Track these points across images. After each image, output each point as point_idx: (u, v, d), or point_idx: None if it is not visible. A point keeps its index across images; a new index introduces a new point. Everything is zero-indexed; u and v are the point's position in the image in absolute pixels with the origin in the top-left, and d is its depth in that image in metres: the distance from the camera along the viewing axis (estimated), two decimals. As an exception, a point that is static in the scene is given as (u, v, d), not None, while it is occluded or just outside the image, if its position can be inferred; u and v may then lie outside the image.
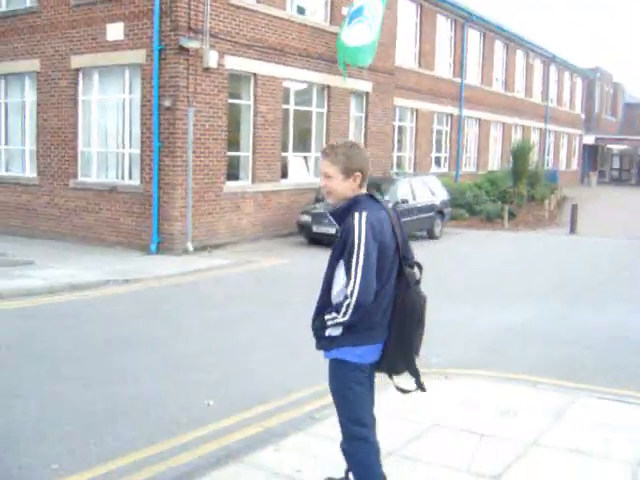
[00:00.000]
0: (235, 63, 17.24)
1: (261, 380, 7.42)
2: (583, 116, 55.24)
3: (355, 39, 19.93)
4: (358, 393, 4.03)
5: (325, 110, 20.87)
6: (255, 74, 17.98)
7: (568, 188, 41.90)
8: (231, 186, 17.60)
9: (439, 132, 31.67)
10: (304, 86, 20.25)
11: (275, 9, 18.38)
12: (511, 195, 29.11)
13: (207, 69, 16.28)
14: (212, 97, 16.62)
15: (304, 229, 18.06)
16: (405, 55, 27.50)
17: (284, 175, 19.62)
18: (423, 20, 28.98)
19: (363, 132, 22.83)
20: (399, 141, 28.21)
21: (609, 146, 62.92)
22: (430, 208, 20.37)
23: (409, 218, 18.92)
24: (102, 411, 6.45)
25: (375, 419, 4.19)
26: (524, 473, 5.17)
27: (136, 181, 16.72)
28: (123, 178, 17.22)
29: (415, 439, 5.74)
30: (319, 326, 4.00)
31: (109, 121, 17.53)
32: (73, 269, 13.62)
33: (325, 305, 4.00)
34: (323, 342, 4.02)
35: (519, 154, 30.31)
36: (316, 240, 17.34)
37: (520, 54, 39.99)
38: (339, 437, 4.18)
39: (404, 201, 18.85)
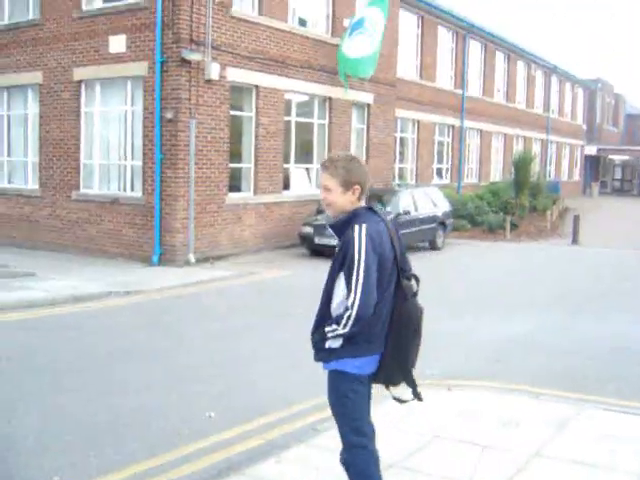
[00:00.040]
0: (237, 75, 17.29)
1: (263, 392, 7.41)
2: (585, 127, 55.31)
3: (356, 50, 19.99)
4: (357, 403, 4.05)
5: (327, 122, 20.91)
6: (257, 86, 18.03)
7: (570, 199, 41.94)
8: (233, 198, 17.62)
9: (441, 143, 31.69)
10: (306, 98, 20.30)
11: (277, 21, 18.44)
12: (513, 206, 29.12)
13: (209, 81, 16.33)
14: (214, 109, 16.66)
15: (306, 241, 18.06)
16: (406, 67, 27.55)
17: (286, 187, 19.64)
18: (424, 32, 29.05)
19: (365, 144, 22.86)
20: (401, 152, 28.22)
21: (611, 157, 62.92)
22: (432, 219, 20.38)
23: (411, 229, 18.93)
24: (104, 423, 6.44)
25: (374, 429, 4.20)
26: (526, 485, 5.16)
27: (138, 193, 16.75)
28: (125, 190, 17.24)
29: (417, 451, 5.72)
30: (319, 338, 4.02)
31: (111, 133, 17.58)
32: (75, 280, 13.63)
33: (324, 317, 4.02)
34: (322, 354, 4.05)
35: (521, 165, 30.34)
36: (318, 252, 17.33)
37: (521, 65, 40.07)
38: (340, 449, 4.17)
39: (406, 212, 18.87)
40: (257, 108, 18.16)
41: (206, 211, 16.70)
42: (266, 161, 18.53)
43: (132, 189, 17.08)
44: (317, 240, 17.43)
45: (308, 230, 17.88)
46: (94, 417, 6.57)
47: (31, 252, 17.61)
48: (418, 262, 17.54)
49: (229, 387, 7.58)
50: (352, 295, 3.80)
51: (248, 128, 18.19)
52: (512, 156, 34.78)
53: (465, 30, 32.13)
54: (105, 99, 17.53)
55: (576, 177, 55.11)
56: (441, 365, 8.26)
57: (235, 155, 17.85)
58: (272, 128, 18.62)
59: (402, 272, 4.09)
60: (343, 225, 4.02)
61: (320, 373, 4.20)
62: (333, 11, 20.87)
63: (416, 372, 4.18)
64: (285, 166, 19.48)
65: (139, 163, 16.71)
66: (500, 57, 36.99)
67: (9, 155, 20.00)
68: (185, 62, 15.69)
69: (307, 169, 20.65)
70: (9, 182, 19.99)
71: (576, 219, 23.97)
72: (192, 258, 16.13)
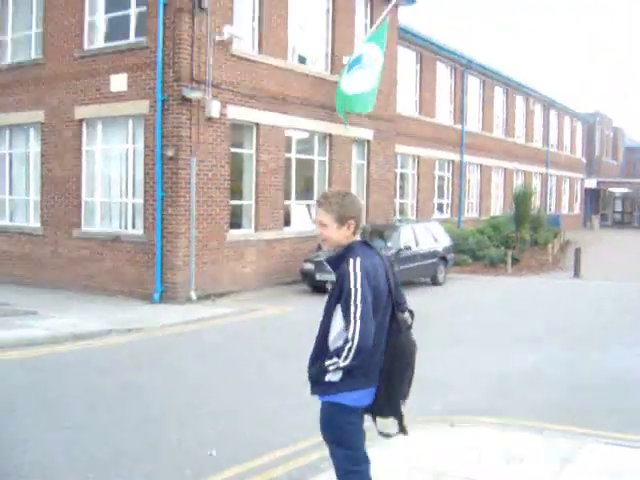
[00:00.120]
0: (237, 113, 17.41)
1: (265, 429, 7.36)
2: (584, 160, 55.56)
3: (354, 86, 20.13)
4: (354, 434, 4.11)
5: (327, 158, 21.02)
6: (257, 123, 18.15)
7: (571, 232, 41.98)
8: (234, 234, 17.65)
9: (441, 178, 31.84)
10: (306, 135, 20.42)
11: (276, 59, 18.62)
12: (514, 240, 29.13)
13: (210, 119, 16.45)
14: (215, 146, 16.76)
15: (307, 277, 18.05)
16: (406, 103, 27.77)
17: (287, 223, 19.68)
18: (423, 68, 29.34)
19: (365, 179, 22.95)
20: (401, 188, 28.35)
21: (611, 189, 63.12)
22: (433, 254, 20.38)
23: (412, 265, 18.95)
24: (102, 462, 6.40)
25: (369, 459, 4.24)
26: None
27: (139, 230, 16.78)
28: (126, 228, 17.28)
29: (420, 488, 5.68)
30: (318, 371, 4.06)
31: (112, 171, 17.66)
32: (75, 318, 13.60)
33: (322, 351, 4.07)
34: (322, 387, 4.08)
35: (521, 199, 30.39)
36: (319, 288, 17.30)
37: (520, 100, 40.37)
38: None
39: (407, 247, 18.89)
40: (257, 145, 18.26)
41: (207, 248, 16.72)
42: (267, 198, 18.59)
43: (133, 227, 17.11)
44: (318, 276, 17.42)
45: (309, 266, 17.88)
46: (92, 455, 6.53)
47: (32, 290, 17.60)
48: (419, 297, 17.52)
49: (231, 425, 7.54)
50: (352, 327, 3.86)
51: (249, 165, 18.28)
52: (512, 190, 34.91)
53: (463, 66, 32.43)
54: (106, 137, 17.64)
55: (576, 210, 55.26)
56: (443, 401, 8.22)
57: (236, 192, 17.91)
58: (273, 165, 18.71)
59: (397, 305, 4.18)
60: (338, 259, 4.12)
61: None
62: (332, 49, 21.09)
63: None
64: (286, 202, 19.54)
65: (140, 201, 16.76)
66: (499, 92, 37.30)
67: (11, 193, 20.08)
68: (186, 100, 15.82)
69: (308, 205, 20.69)
70: (11, 220, 20.05)
71: (577, 252, 23.97)
72: (193, 295, 16.12)
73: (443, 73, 31.38)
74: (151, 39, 16.08)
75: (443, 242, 21.34)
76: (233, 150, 17.58)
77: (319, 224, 4.18)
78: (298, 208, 20.31)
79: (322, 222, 4.15)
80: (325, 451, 6.26)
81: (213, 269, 16.95)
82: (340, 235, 4.13)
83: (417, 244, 19.71)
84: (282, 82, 18.85)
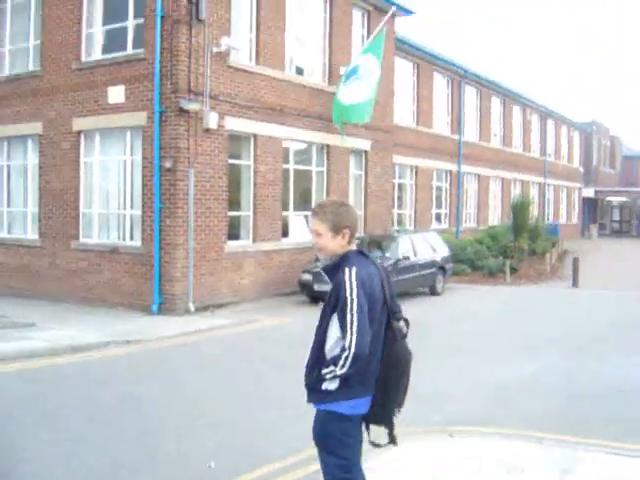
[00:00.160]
0: (235, 124, 17.44)
1: (264, 441, 7.34)
2: (582, 169, 55.65)
3: (351, 97, 20.17)
4: (347, 444, 4.11)
5: (325, 169, 21.04)
6: (255, 134, 18.18)
7: (569, 241, 42.01)
8: (232, 246, 17.65)
9: (439, 188, 31.88)
10: (303, 145, 20.45)
11: (274, 70, 18.66)
12: (512, 250, 29.14)
13: (207, 130, 16.47)
14: (212, 158, 16.78)
15: (305, 288, 18.03)
16: (403, 113, 27.83)
17: (285, 234, 19.68)
18: (420, 78, 29.41)
19: (363, 190, 22.97)
20: (399, 198, 28.38)
21: (609, 198, 63.18)
22: (431, 264, 20.38)
23: (411, 275, 18.96)
24: (100, 474, 6.38)
25: (363, 475, 4.23)
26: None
27: (137, 242, 16.77)
28: (124, 239, 17.28)
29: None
30: (314, 380, 4.07)
31: (110, 182, 17.66)
32: (74, 330, 13.59)
33: (318, 359, 4.09)
34: (318, 395, 4.09)
35: (519, 209, 30.42)
36: (317, 299, 17.25)
37: (517, 110, 40.45)
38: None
39: (405, 258, 18.89)
40: (255, 156, 18.28)
41: (205, 259, 16.72)
42: (265, 209, 18.60)
43: (131, 238, 17.11)
44: (316, 287, 17.39)
45: (307, 277, 17.86)
46: (91, 467, 6.51)
47: (30, 302, 17.57)
48: (418, 307, 17.53)
49: (229, 436, 7.52)
50: (348, 335, 3.88)
51: (246, 176, 18.30)
52: (510, 200, 34.94)
53: (460, 76, 32.52)
54: (104, 149, 17.66)
55: (574, 219, 55.31)
56: (442, 411, 8.21)
57: (234, 203, 17.92)
58: (270, 176, 18.73)
59: (392, 314, 4.20)
60: (334, 268, 4.15)
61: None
62: (329, 60, 21.15)
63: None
64: (284, 213, 19.55)
65: (138, 212, 16.76)
66: (496, 102, 37.39)
67: (9, 205, 20.08)
68: (183, 112, 15.84)
69: (306, 216, 20.68)
70: (9, 232, 20.04)
71: (575, 261, 23.98)
72: (192, 307, 16.11)
73: (440, 83, 31.47)
74: (149, 51, 16.12)
75: (441, 252, 21.34)
76: (231, 161, 17.59)
77: (314, 233, 4.22)
78: (296, 219, 20.30)
79: (317, 231, 4.19)
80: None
81: (211, 280, 16.94)
82: (335, 244, 4.16)
83: (415, 254, 19.71)
84: (279, 93, 18.90)
